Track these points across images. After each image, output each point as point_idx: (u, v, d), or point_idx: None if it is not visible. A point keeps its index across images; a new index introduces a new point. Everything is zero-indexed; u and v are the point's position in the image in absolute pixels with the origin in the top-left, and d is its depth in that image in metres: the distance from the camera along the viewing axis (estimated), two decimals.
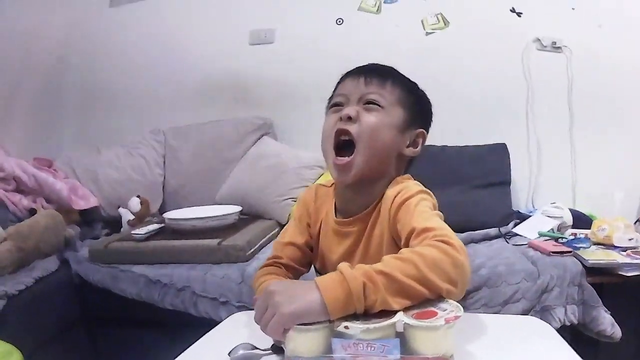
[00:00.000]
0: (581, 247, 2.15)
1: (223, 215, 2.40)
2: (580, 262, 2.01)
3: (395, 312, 0.85)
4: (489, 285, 1.95)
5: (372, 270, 0.86)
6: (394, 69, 1.24)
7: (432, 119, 1.28)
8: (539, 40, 2.98)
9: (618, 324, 1.90)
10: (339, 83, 1.24)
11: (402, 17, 3.11)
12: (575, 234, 2.32)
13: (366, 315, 0.86)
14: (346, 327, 0.83)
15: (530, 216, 2.61)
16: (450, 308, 0.85)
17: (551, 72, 2.96)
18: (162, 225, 2.41)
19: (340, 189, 1.24)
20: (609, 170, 2.88)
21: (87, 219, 2.74)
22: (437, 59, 3.03)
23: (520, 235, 2.44)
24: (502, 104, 3.01)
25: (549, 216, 2.51)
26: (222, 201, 2.77)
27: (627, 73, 2.86)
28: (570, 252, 2.08)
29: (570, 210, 2.57)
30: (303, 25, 3.20)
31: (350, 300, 0.84)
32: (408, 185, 1.15)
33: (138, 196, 2.68)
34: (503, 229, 2.50)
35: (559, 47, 2.95)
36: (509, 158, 2.81)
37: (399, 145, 1.19)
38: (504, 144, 2.84)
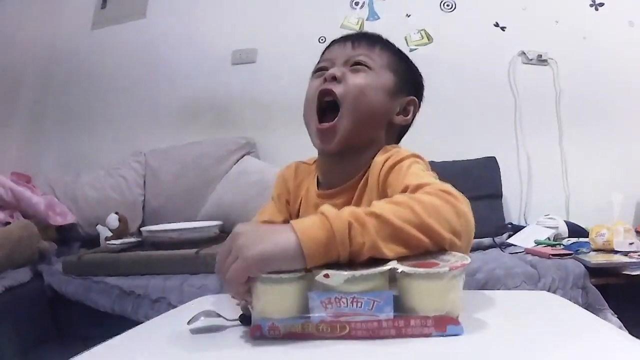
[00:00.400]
0: (581, 250, 2.06)
1: (202, 227, 2.31)
2: (583, 264, 1.91)
3: (387, 262, 0.71)
4: (486, 289, 1.84)
5: (360, 211, 0.73)
6: (383, 37, 1.16)
7: (424, 92, 1.20)
8: (524, 53, 2.97)
9: (625, 327, 1.80)
10: (325, 50, 1.16)
11: (385, 34, 3.05)
12: (574, 241, 2.23)
13: (352, 265, 0.71)
14: (326, 276, 0.68)
15: (524, 227, 2.53)
16: (454, 259, 0.71)
17: (538, 85, 2.94)
18: (139, 239, 2.30)
19: (323, 158, 1.12)
20: (601, 180, 2.81)
21: (65, 237, 2.66)
22: (422, 75, 2.98)
23: (516, 245, 2.34)
24: (490, 118, 2.97)
25: (544, 227, 2.43)
26: (204, 219, 2.68)
27: (613, 82, 2.84)
28: (571, 254, 1.99)
29: (565, 222, 2.49)
30: (285, 44, 3.17)
31: (333, 243, 0.70)
32: (398, 150, 1.03)
33: (116, 213, 2.58)
34: (497, 239, 2.41)
35: (544, 60, 2.94)
36: (500, 171, 2.76)
37: (388, 111, 1.09)
38: (493, 157, 2.79)
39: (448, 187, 0.81)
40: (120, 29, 3.40)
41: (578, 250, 2.05)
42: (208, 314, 0.79)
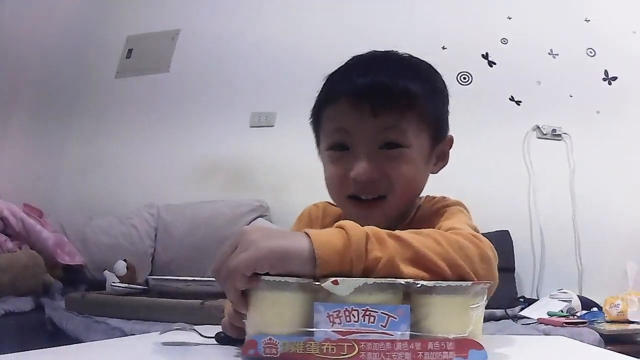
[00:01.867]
0: (596, 320, 2.01)
1: (210, 281, 2.26)
2: (597, 332, 1.86)
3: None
4: None
5: (381, 230, 0.70)
6: (405, 67, 0.93)
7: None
8: (538, 128, 2.99)
9: None
10: (329, 102, 0.94)
11: None
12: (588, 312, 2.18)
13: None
14: (335, 282, 0.62)
15: (536, 301, 2.48)
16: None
17: (552, 159, 2.95)
18: (146, 287, 2.27)
19: None
20: (616, 251, 2.75)
21: (71, 278, 2.62)
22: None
23: (528, 317, 2.29)
24: (504, 191, 2.95)
25: (557, 300, 2.38)
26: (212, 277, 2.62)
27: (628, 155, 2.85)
28: (585, 322, 1.94)
29: (579, 296, 2.44)
30: (305, 109, 3.20)
31: (347, 252, 0.65)
32: (444, 197, 1.00)
33: (125, 260, 2.53)
34: (509, 311, 2.35)
35: (558, 135, 2.96)
36: (512, 244, 2.74)
37: (429, 171, 0.98)
38: (507, 231, 2.76)
39: (479, 235, 0.78)
40: (142, 80, 3.48)
41: (592, 320, 2.00)
42: (182, 326, 0.75)
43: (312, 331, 0.62)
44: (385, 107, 0.87)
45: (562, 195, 2.89)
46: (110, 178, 3.40)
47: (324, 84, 0.98)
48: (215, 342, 0.73)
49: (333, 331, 0.61)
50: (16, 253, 2.19)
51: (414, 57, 0.97)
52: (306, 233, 0.67)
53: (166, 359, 0.67)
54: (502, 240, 2.71)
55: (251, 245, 0.64)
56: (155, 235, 3.05)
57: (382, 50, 0.98)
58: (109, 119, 3.48)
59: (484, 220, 2.70)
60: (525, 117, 3.01)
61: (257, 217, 3.03)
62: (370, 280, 0.63)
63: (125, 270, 2.50)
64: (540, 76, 3.03)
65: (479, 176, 2.96)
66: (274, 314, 0.63)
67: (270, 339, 0.62)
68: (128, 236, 2.95)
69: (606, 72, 2.98)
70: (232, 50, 3.40)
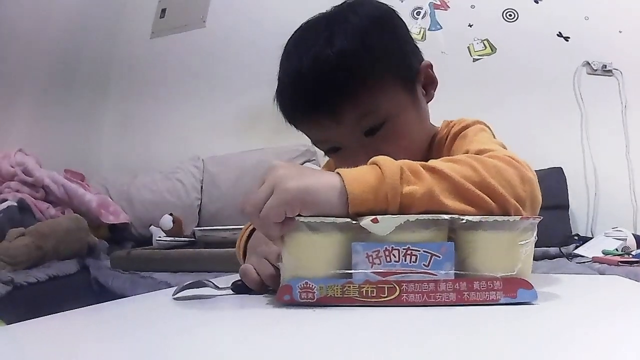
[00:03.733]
0: None
1: None
2: None
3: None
4: None
5: (415, 163, 0.65)
6: (341, 45, 0.82)
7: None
8: (588, 64, 2.86)
9: None
10: (288, 120, 0.92)
11: (448, 44, 3.03)
12: None
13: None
14: (374, 220, 0.58)
15: (591, 239, 2.41)
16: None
17: (604, 96, 2.83)
18: (192, 239, 2.28)
19: None
20: None
21: (117, 236, 2.65)
22: (486, 85, 2.92)
23: (583, 256, 2.23)
24: (556, 128, 2.86)
25: (612, 238, 2.31)
26: None
27: None
28: None
29: (634, 235, 2.36)
30: None
31: (381, 186, 0.60)
32: (462, 119, 0.93)
33: (171, 214, 2.56)
34: (564, 249, 2.31)
35: (609, 71, 2.83)
36: (566, 182, 2.66)
37: (424, 108, 0.93)
38: (560, 167, 2.68)
39: (513, 154, 0.72)
40: (179, 37, 3.45)
41: None
42: (197, 284, 0.70)
43: (351, 273, 0.58)
44: (343, 109, 0.82)
45: (615, 132, 2.78)
46: (152, 136, 3.42)
47: (275, 97, 0.93)
48: (232, 292, 0.70)
49: (373, 272, 0.58)
50: (58, 218, 2.19)
51: (348, 18, 0.86)
52: (338, 172, 0.63)
53: (176, 317, 0.62)
54: (555, 178, 2.66)
55: (280, 183, 0.59)
56: (202, 187, 3.06)
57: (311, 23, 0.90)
58: (146, 79, 3.48)
59: (537, 157, 2.66)
60: (574, 53, 2.88)
61: (305, 162, 3.01)
62: (412, 217, 0.59)
63: (172, 225, 2.52)
64: (588, 11, 2.88)
65: (530, 113, 2.88)
66: (309, 256, 0.60)
67: (306, 282, 0.59)
68: (173, 191, 2.96)
69: None
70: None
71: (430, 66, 0.93)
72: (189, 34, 3.44)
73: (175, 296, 0.68)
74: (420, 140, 0.91)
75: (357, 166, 0.67)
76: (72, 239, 2.14)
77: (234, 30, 3.36)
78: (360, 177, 0.62)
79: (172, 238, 2.19)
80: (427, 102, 0.94)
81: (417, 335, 0.49)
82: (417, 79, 0.91)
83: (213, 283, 0.71)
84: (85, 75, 3.42)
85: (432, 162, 0.66)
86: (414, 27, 3.08)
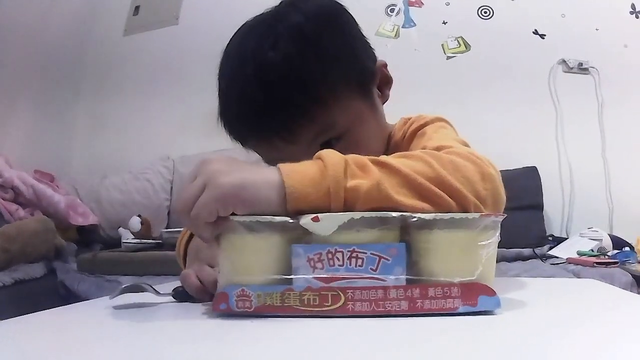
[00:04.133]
0: (628, 260, 1.91)
1: None
2: (630, 273, 1.76)
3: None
4: None
5: (363, 157, 0.59)
6: (286, 57, 0.75)
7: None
8: (564, 62, 2.86)
9: None
10: (238, 141, 0.86)
11: (422, 42, 3.01)
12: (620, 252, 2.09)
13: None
14: (315, 219, 0.52)
15: (566, 240, 2.39)
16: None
17: (579, 94, 2.83)
18: (159, 241, 2.23)
19: None
20: None
21: (86, 238, 2.59)
22: (460, 83, 2.91)
23: (557, 257, 2.20)
24: (531, 127, 2.85)
25: (587, 239, 2.29)
26: None
27: None
28: (617, 263, 1.85)
29: (609, 235, 2.35)
30: None
31: (323, 179, 0.55)
32: (421, 115, 0.87)
33: (139, 216, 2.51)
34: (538, 250, 2.29)
35: (585, 69, 2.84)
36: (540, 182, 2.65)
37: (380, 109, 0.87)
38: (534, 167, 2.67)
39: (474, 151, 0.67)
40: (152, 35, 3.39)
41: (624, 260, 1.90)
42: (136, 288, 0.65)
43: (291, 279, 0.53)
44: (297, 129, 0.74)
45: (591, 131, 2.78)
46: (122, 136, 3.35)
47: (219, 114, 0.86)
48: (173, 299, 0.65)
49: (315, 278, 0.52)
50: (25, 220, 2.15)
51: (293, 18, 0.79)
52: (278, 167, 0.58)
53: (114, 328, 0.56)
54: (529, 177, 2.65)
55: (213, 179, 0.54)
56: (172, 188, 3.01)
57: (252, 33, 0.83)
58: (118, 77, 3.40)
59: (511, 156, 2.65)
60: (550, 51, 2.88)
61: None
62: (357, 215, 0.53)
63: (140, 226, 2.47)
64: (564, 9, 2.88)
65: (504, 111, 2.86)
66: (246, 260, 0.54)
67: (243, 290, 0.53)
68: (143, 191, 2.91)
69: (633, 6, 2.84)
70: None
71: (385, 65, 0.87)
72: (161, 32, 3.37)
73: (115, 304, 0.63)
74: (378, 144, 0.85)
75: None
76: (39, 241, 2.09)
77: (207, 28, 3.31)
78: (300, 170, 0.56)
79: (139, 240, 2.14)
80: (383, 103, 0.88)
81: (363, 350, 0.44)
82: (373, 81, 0.85)
83: (153, 288, 0.66)
84: (57, 74, 3.34)
85: (381, 157, 0.60)
86: (388, 24, 3.05)
